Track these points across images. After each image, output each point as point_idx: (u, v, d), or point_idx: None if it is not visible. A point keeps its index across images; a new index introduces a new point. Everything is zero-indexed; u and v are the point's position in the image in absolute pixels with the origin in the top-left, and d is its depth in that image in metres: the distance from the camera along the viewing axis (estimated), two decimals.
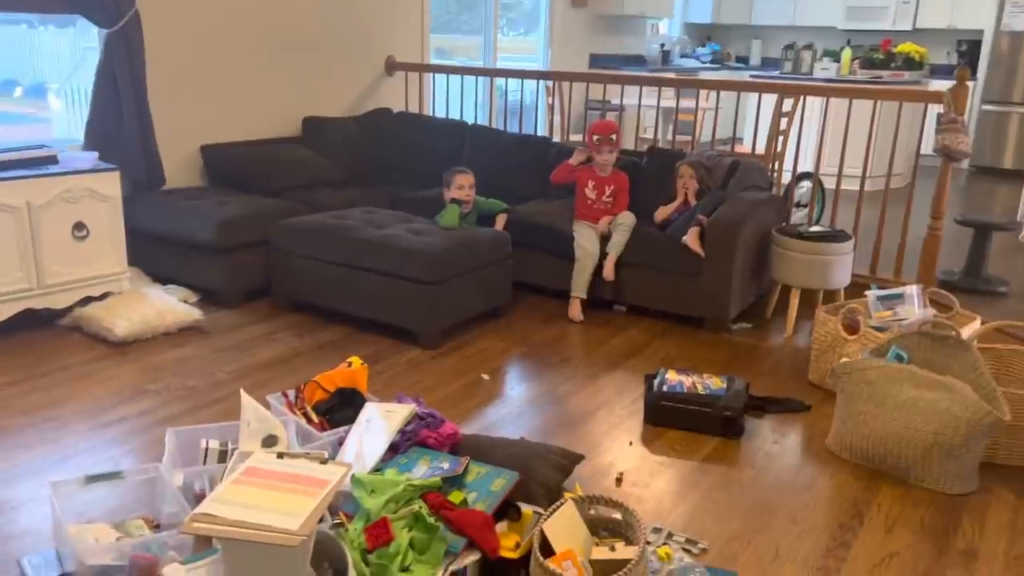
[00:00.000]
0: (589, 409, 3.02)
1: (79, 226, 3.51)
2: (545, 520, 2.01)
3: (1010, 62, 8.12)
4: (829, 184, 4.88)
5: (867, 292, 3.28)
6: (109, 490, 2.18)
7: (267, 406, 2.56)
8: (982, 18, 8.32)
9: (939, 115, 3.88)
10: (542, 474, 2.28)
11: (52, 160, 3.54)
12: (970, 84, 3.86)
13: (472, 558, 1.93)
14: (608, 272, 3.89)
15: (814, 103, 4.96)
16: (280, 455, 1.82)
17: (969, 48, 8.69)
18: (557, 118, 6.24)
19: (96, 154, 3.71)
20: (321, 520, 1.99)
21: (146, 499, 2.20)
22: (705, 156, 4.32)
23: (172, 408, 2.92)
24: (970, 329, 3.15)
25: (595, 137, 4.01)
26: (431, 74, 5.80)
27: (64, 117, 4.32)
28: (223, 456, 2.28)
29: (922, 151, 4.22)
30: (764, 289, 4.14)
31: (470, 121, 5.39)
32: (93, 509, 2.17)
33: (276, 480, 1.72)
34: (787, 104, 5.00)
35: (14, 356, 3.28)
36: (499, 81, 6.12)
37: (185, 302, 3.80)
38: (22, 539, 2.12)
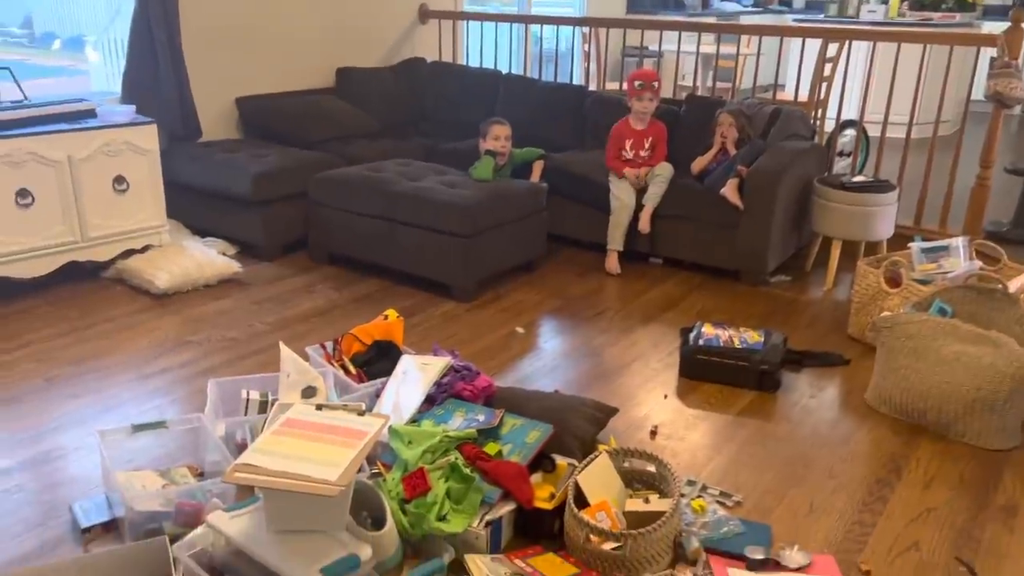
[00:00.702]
0: (624, 362, 3.02)
1: (119, 179, 3.56)
2: (580, 472, 2.03)
3: None
4: (874, 132, 4.73)
5: (911, 244, 3.21)
6: (154, 439, 2.25)
7: (306, 358, 2.60)
8: None
9: (992, 59, 3.72)
10: (576, 427, 2.29)
11: (91, 114, 3.58)
12: None
13: (507, 508, 1.96)
14: (644, 224, 3.84)
15: (860, 48, 4.78)
16: (319, 407, 1.85)
17: None
18: (593, 66, 6.13)
19: (133, 107, 3.73)
20: (360, 470, 2.03)
21: (190, 448, 2.26)
22: (746, 104, 4.21)
23: (213, 359, 2.98)
24: (1018, 282, 3.06)
25: (636, 83, 3.92)
26: (465, 22, 5.71)
27: (102, 70, 4.35)
28: (263, 407, 2.33)
29: (973, 97, 4.07)
30: (804, 241, 4.07)
31: (504, 69, 5.31)
32: (140, 457, 2.24)
33: (315, 431, 1.75)
34: (831, 49, 4.84)
35: (60, 308, 3.36)
36: (534, 28, 6.00)
37: (224, 255, 3.85)
38: (72, 485, 2.20)
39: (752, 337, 2.89)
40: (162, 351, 3.02)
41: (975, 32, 6.41)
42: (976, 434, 2.50)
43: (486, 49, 5.55)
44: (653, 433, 2.54)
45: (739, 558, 1.94)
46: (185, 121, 4.17)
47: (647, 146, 3.95)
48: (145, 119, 3.66)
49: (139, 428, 2.16)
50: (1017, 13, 3.67)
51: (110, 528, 1.99)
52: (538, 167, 4.05)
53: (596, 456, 2.10)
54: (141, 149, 3.61)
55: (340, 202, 3.74)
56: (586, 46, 6.16)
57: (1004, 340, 2.44)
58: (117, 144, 3.52)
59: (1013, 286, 2.83)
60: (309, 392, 2.35)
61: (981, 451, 2.47)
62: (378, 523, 1.79)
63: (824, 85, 4.98)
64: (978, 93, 3.81)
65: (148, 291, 3.50)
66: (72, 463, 2.31)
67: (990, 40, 3.79)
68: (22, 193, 3.29)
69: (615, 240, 3.88)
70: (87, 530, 1.96)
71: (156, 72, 4.04)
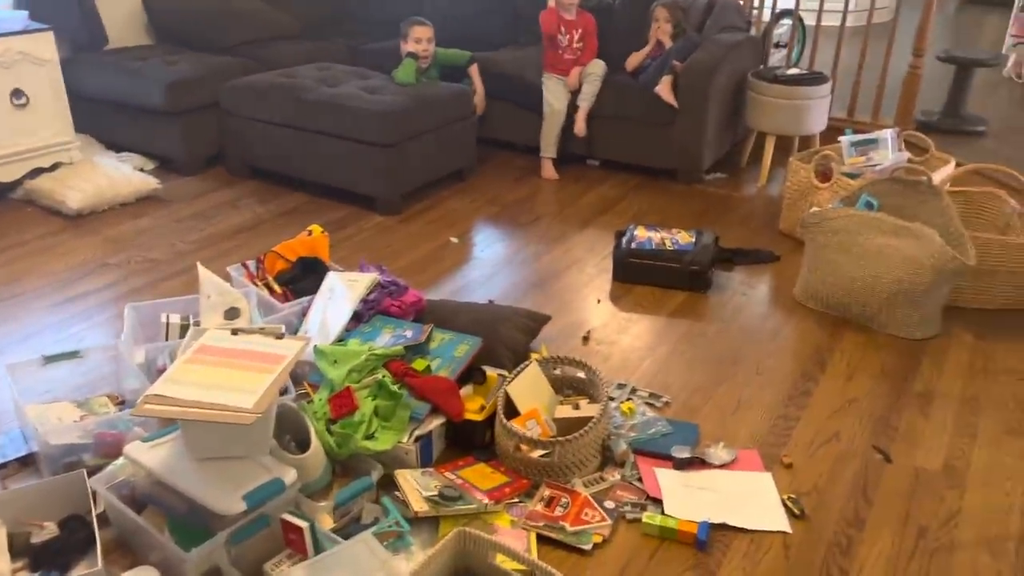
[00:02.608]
0: (559, 268, 3.00)
1: (16, 93, 3.32)
2: (509, 382, 2.03)
3: None
4: (810, 22, 4.65)
5: (840, 138, 3.20)
6: (72, 368, 2.17)
7: (227, 278, 2.51)
8: None
9: None
10: (508, 337, 2.28)
11: None
12: None
13: (437, 423, 1.96)
14: (579, 127, 3.75)
15: None
16: (234, 331, 1.79)
17: None
18: None
19: (26, 14, 3.45)
20: (285, 392, 2.00)
21: (110, 376, 2.19)
22: None
23: (134, 281, 2.87)
24: (943, 172, 3.09)
25: None
26: None
27: None
28: (184, 331, 2.26)
29: None
30: (739, 137, 4.04)
31: None
32: (57, 388, 2.16)
33: (230, 357, 1.70)
34: None
35: None
36: None
37: (141, 170, 3.66)
38: None
39: (683, 238, 2.89)
40: (80, 275, 2.90)
41: None
42: (898, 325, 2.56)
43: None
44: (586, 339, 2.55)
45: (666, 458, 1.98)
46: (88, 27, 3.88)
47: (577, 38, 3.80)
48: (40, 26, 3.39)
49: (51, 359, 2.08)
50: None
51: (28, 463, 1.93)
52: (475, 74, 3.88)
53: (526, 365, 2.10)
54: (38, 59, 3.36)
55: (254, 112, 3.55)
56: None
57: (926, 232, 2.47)
58: (10, 55, 3.26)
59: (937, 177, 2.86)
60: (232, 314, 2.29)
61: (902, 341, 2.55)
62: (303, 445, 1.77)
63: None
64: None
65: (60, 212, 3.33)
66: None
67: None
68: None
69: (548, 147, 3.80)
70: (2, 466, 1.90)
71: None
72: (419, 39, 3.67)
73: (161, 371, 2.11)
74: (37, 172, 3.44)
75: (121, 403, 2.09)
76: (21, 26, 3.35)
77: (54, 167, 3.49)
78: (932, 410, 2.22)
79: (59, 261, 2.99)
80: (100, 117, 3.85)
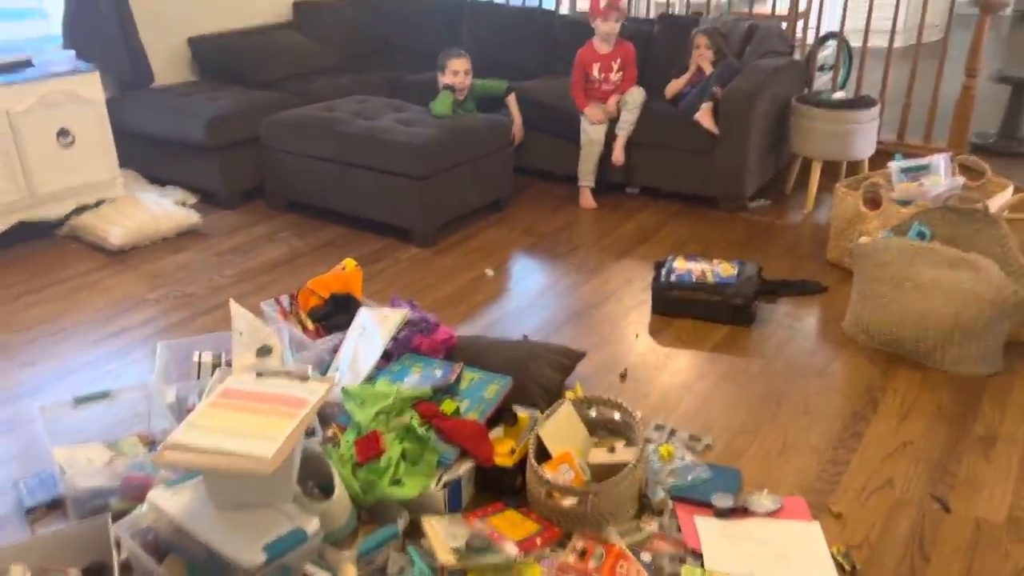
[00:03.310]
0: (596, 301, 2.93)
1: (63, 132, 3.39)
2: (541, 424, 1.96)
3: None
4: (856, 43, 4.53)
5: (890, 163, 3.07)
6: (103, 408, 2.16)
7: (260, 314, 2.50)
8: None
9: None
10: (541, 375, 2.21)
11: (27, 64, 3.38)
12: None
13: (466, 467, 1.89)
14: (618, 156, 3.69)
15: None
16: (259, 374, 1.76)
17: None
18: None
19: (73, 54, 3.53)
20: (312, 433, 1.96)
21: (142, 415, 2.18)
22: (721, 22, 4.01)
23: (172, 317, 2.88)
24: (1001, 198, 2.94)
25: (602, 2, 3.70)
26: None
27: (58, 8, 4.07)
28: (216, 369, 2.24)
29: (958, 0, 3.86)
30: (784, 162, 3.93)
31: None
32: (89, 427, 2.15)
33: (254, 401, 1.66)
34: None
35: (13, 270, 3.24)
36: None
37: (183, 204, 3.71)
38: (21, 460, 2.12)
39: (725, 270, 2.79)
40: (118, 312, 2.92)
41: None
42: (955, 361, 2.43)
43: None
44: (623, 376, 2.46)
45: (707, 506, 1.88)
46: (135, 66, 3.96)
47: (616, 68, 3.76)
48: (86, 67, 3.47)
49: (81, 401, 2.08)
50: None
51: (57, 506, 1.92)
52: (513, 104, 3.86)
53: (559, 406, 2.03)
54: (84, 99, 3.42)
55: (293, 145, 3.57)
56: None
57: (983, 263, 2.34)
58: (57, 95, 3.33)
59: (994, 205, 2.72)
60: (264, 351, 2.27)
61: (960, 378, 2.41)
62: (327, 491, 1.72)
63: None
64: None
65: (103, 248, 3.38)
66: (23, 436, 2.22)
67: None
68: None
69: (587, 176, 3.74)
70: (31, 510, 1.89)
71: (98, 14, 3.81)
72: (456, 71, 3.66)
73: (191, 410, 2.10)
74: (82, 209, 3.50)
75: (151, 443, 2.07)
76: (69, 67, 3.43)
77: (98, 203, 3.55)
78: (995, 455, 2.08)
79: (98, 298, 3.02)
80: (144, 152, 3.92)
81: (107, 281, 3.15)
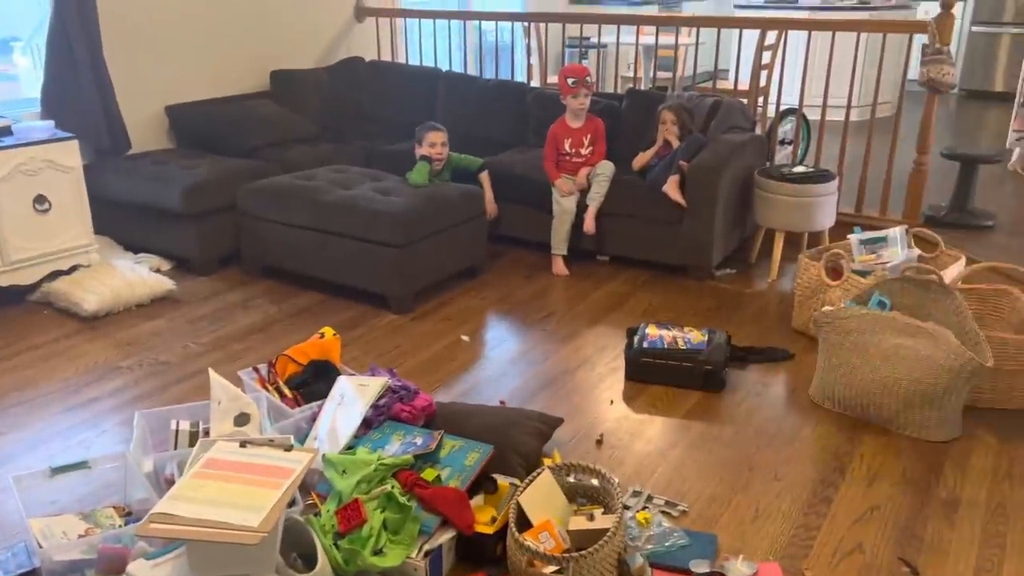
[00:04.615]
0: (570, 367, 2.98)
1: (40, 199, 3.40)
2: (521, 492, 1.98)
3: None
4: (815, 117, 4.76)
5: (849, 235, 3.21)
6: (78, 478, 2.14)
7: (238, 382, 2.51)
8: None
9: (924, 46, 3.75)
10: (519, 443, 2.24)
11: (6, 132, 3.41)
12: (958, 7, 3.72)
13: (447, 536, 1.91)
14: (588, 225, 3.80)
15: (798, 35, 4.80)
16: (243, 444, 1.77)
17: None
18: (535, 59, 6.06)
19: (52, 123, 3.57)
20: (293, 503, 1.96)
21: (118, 485, 2.16)
22: (686, 98, 4.19)
23: (145, 385, 2.87)
24: (955, 269, 3.09)
25: (570, 80, 3.86)
26: (403, 19, 5.60)
27: (32, 74, 4.12)
28: (194, 438, 2.24)
29: (909, 78, 4.10)
30: (748, 232, 4.07)
31: (447, 64, 5.24)
32: (63, 497, 2.14)
33: (238, 472, 1.67)
34: (770, 37, 4.85)
35: None
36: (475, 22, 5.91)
37: (157, 271, 3.72)
38: None
39: (696, 337, 2.87)
40: (90, 379, 2.90)
41: (906, 20, 6.48)
42: (918, 427, 2.51)
43: (427, 44, 5.44)
44: (599, 442, 2.50)
45: (685, 572, 1.91)
46: (112, 134, 4.00)
47: (586, 143, 3.90)
48: (65, 135, 3.51)
49: (58, 471, 2.05)
50: None
51: None
52: (486, 181, 3.97)
53: (539, 474, 2.06)
54: (62, 166, 3.45)
55: (270, 213, 3.62)
56: (528, 40, 6.09)
57: (941, 332, 2.45)
58: (36, 163, 3.36)
59: (948, 276, 2.85)
60: (242, 420, 2.27)
61: (923, 443, 2.49)
62: (309, 562, 1.72)
63: (764, 73, 4.98)
64: (913, 74, 3.83)
65: (76, 314, 3.36)
66: None
67: (921, 27, 3.82)
68: None
69: (559, 245, 3.84)
70: None
71: (77, 84, 3.86)
72: (434, 143, 3.77)
73: (169, 480, 2.08)
74: (55, 274, 3.50)
75: (128, 514, 2.05)
76: (47, 135, 3.46)
77: (72, 269, 3.55)
78: (958, 519, 2.15)
79: (70, 365, 3.00)
80: (119, 219, 3.94)
81: (79, 348, 3.14)
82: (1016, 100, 5.50)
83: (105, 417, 2.67)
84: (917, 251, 3.14)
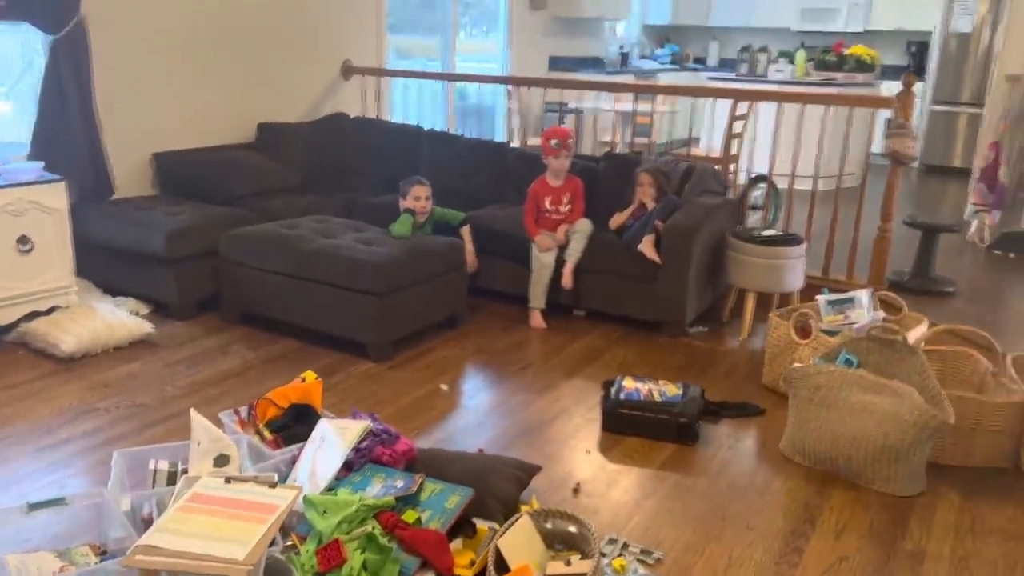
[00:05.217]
0: (547, 418, 3.03)
1: (23, 239, 3.42)
2: (500, 536, 2.01)
3: (958, 63, 8.31)
4: (784, 185, 4.94)
5: (818, 296, 3.33)
6: (53, 515, 2.13)
7: (219, 424, 2.52)
8: (931, 20, 8.49)
9: (887, 120, 3.95)
10: (498, 488, 2.27)
11: None
12: (919, 86, 3.94)
13: None
14: (566, 280, 3.89)
15: (768, 106, 5.03)
16: (228, 479, 1.79)
17: (919, 49, 8.87)
18: (516, 120, 6.25)
19: (41, 165, 3.61)
20: (273, 543, 1.96)
21: (92, 524, 2.15)
22: (662, 162, 4.35)
23: (121, 427, 2.86)
24: (918, 331, 3.21)
25: (552, 142, 4.01)
26: (389, 79, 5.76)
27: (13, 120, 4.17)
28: (172, 478, 2.24)
29: (873, 150, 4.30)
30: (720, 292, 4.18)
31: (430, 123, 5.37)
32: (37, 536, 2.12)
33: (223, 506, 1.69)
34: (741, 107, 5.06)
35: None
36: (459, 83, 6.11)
37: (136, 314, 3.72)
38: None
39: (671, 390, 2.94)
40: (65, 420, 2.88)
41: (872, 95, 6.80)
42: (884, 481, 2.58)
43: (410, 103, 5.60)
44: (576, 491, 2.54)
45: None
46: (97, 178, 4.05)
47: (565, 201, 4.03)
48: (53, 177, 3.55)
49: (35, 506, 2.04)
50: (908, 77, 3.92)
51: None
52: (467, 235, 4.05)
53: (517, 518, 2.09)
54: (48, 208, 3.49)
55: (252, 260, 3.66)
56: (509, 102, 6.28)
57: (906, 390, 2.54)
58: (22, 203, 3.39)
59: (912, 336, 2.97)
60: (221, 460, 2.28)
61: (890, 498, 2.56)
62: None
63: (736, 141, 5.19)
64: (878, 147, 4.03)
65: (53, 355, 3.35)
66: None
67: (885, 102, 4.03)
68: None
69: (537, 298, 3.93)
70: None
71: (67, 128, 3.92)
72: (418, 196, 3.87)
73: (146, 519, 2.08)
74: (33, 315, 3.49)
75: (103, 553, 2.04)
76: (35, 177, 3.50)
77: (50, 310, 3.54)
78: (923, 571, 2.21)
79: (45, 406, 2.98)
80: (100, 262, 3.95)
81: (55, 389, 3.12)
82: (973, 175, 5.77)
83: (79, 458, 2.65)
84: (882, 313, 3.26)
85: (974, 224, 5.57)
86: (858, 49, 7.50)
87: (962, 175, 7.97)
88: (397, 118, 5.74)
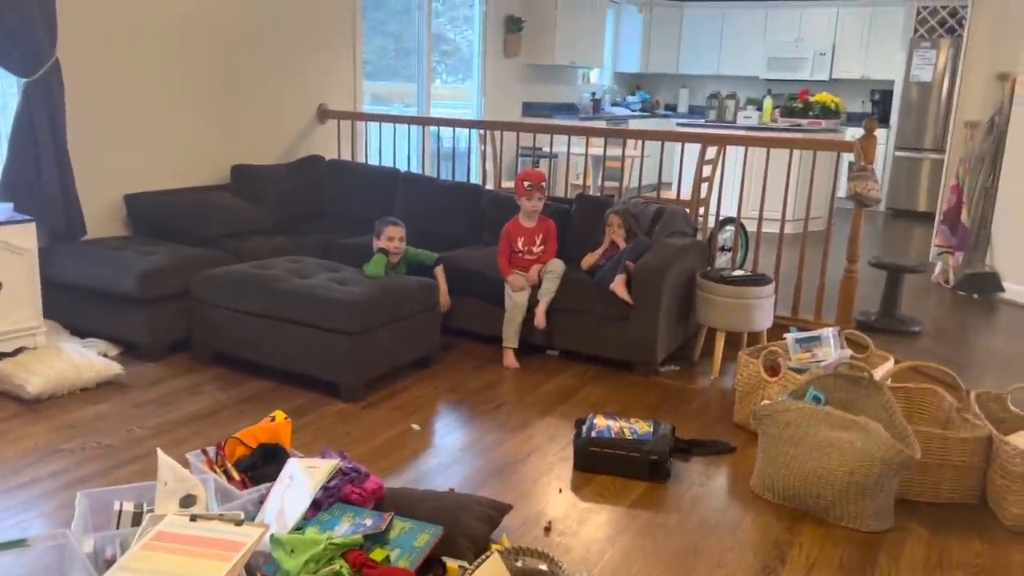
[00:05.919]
0: (520, 456, 3.02)
1: None
2: (470, 574, 1.99)
3: (919, 110, 8.57)
4: (752, 227, 5.04)
5: (786, 335, 3.38)
6: (15, 558, 2.09)
7: (186, 464, 2.49)
8: (893, 69, 8.78)
9: (851, 163, 4.06)
10: (469, 527, 2.26)
11: None
12: (880, 132, 4.06)
13: None
14: (539, 320, 3.92)
15: (735, 151, 5.16)
16: (193, 518, 1.77)
17: (882, 97, 9.16)
18: (490, 164, 6.33)
19: (11, 206, 3.60)
20: None
21: (55, 567, 2.10)
22: (632, 204, 4.42)
23: (87, 468, 2.81)
24: (884, 369, 3.27)
25: (526, 183, 4.07)
26: (364, 123, 5.83)
27: None
28: (138, 519, 2.20)
29: (838, 194, 4.41)
30: (691, 331, 4.23)
31: (405, 166, 5.43)
32: None
33: (188, 544, 1.67)
34: (710, 152, 5.17)
35: None
36: (433, 127, 6.19)
37: (105, 356, 3.68)
38: None
39: (642, 428, 2.95)
40: (29, 461, 2.83)
41: (835, 139, 6.99)
42: (853, 517, 2.60)
43: (386, 146, 5.66)
44: (547, 529, 2.53)
45: None
46: (69, 219, 4.04)
47: (538, 242, 4.08)
48: (23, 217, 3.54)
49: None
50: (869, 122, 4.04)
51: None
52: (440, 275, 4.08)
53: (487, 557, 2.07)
54: (17, 248, 3.47)
55: (225, 300, 3.65)
56: (483, 146, 6.37)
57: (872, 426, 2.58)
58: None
59: (878, 373, 3.02)
60: (188, 501, 2.25)
61: (858, 534, 2.57)
62: None
63: (704, 185, 5.29)
64: (843, 191, 4.13)
65: (19, 396, 3.30)
66: None
67: (848, 146, 4.15)
68: None
69: (510, 338, 3.95)
70: None
71: (38, 169, 3.92)
72: (392, 237, 3.90)
73: (109, 560, 2.04)
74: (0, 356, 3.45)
75: None
76: (4, 217, 3.49)
77: (16, 352, 3.50)
78: None
79: (10, 447, 2.93)
80: (69, 303, 3.92)
81: (20, 430, 3.07)
82: (936, 218, 5.91)
83: (44, 500, 2.60)
84: (849, 351, 3.32)
85: (939, 265, 5.70)
86: (823, 96, 7.72)
87: (927, 219, 8.17)
88: (373, 161, 5.79)
